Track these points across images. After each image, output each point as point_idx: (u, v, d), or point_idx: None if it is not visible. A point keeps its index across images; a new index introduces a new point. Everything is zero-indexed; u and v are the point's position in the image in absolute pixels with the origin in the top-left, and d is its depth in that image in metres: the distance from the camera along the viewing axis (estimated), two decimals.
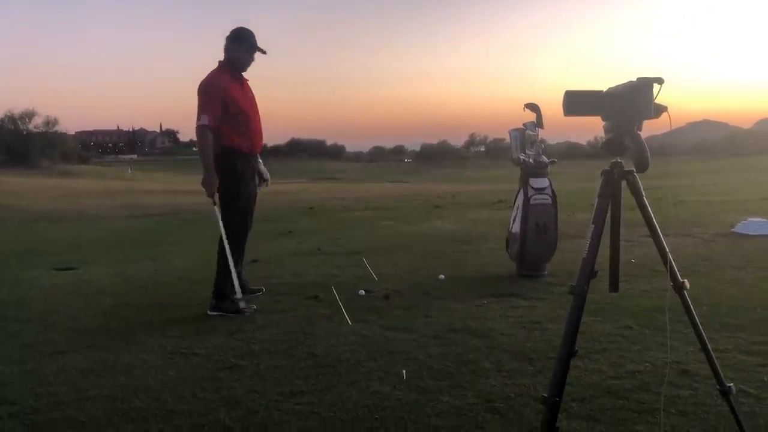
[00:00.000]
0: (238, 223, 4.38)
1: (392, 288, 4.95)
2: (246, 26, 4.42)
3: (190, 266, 6.33)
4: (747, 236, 7.09)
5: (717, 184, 18.53)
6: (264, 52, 4.40)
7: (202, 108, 4.16)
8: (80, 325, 4.18)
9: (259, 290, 4.81)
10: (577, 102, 2.02)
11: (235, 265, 4.32)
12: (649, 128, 2.05)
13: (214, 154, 4.22)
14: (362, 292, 4.81)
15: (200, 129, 4.15)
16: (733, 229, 7.52)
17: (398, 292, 4.85)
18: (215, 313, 4.29)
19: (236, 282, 4.29)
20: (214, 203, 4.32)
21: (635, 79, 1.97)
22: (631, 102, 1.97)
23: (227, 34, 4.36)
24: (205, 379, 3.08)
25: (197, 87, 4.25)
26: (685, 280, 2.08)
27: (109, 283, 5.64)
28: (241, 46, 4.35)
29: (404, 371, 3.07)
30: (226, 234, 4.31)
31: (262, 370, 3.18)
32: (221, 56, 4.39)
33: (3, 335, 3.92)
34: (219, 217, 4.31)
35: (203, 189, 4.29)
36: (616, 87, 2.02)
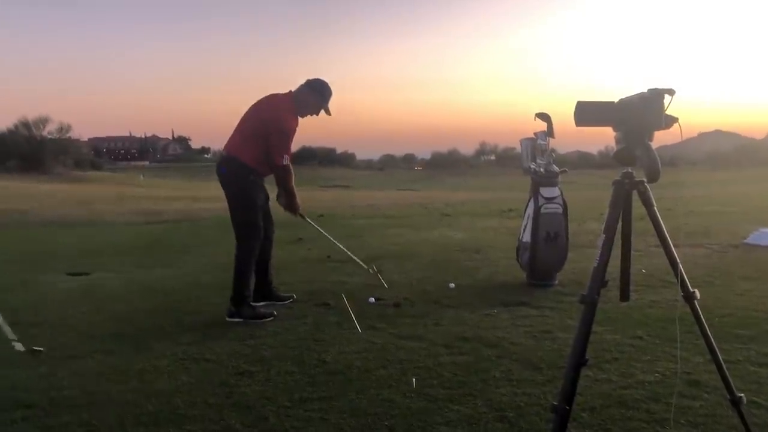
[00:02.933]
0: (252, 226, 4.41)
1: (402, 296, 4.96)
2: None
3: (201, 272, 6.36)
4: (759, 247, 7.05)
5: (729, 195, 18.41)
6: (329, 114, 4.57)
7: (283, 148, 4.38)
8: (93, 330, 4.22)
9: (290, 297, 4.85)
10: (588, 112, 2.04)
11: (256, 271, 4.46)
12: (661, 139, 2.07)
13: (235, 167, 4.37)
14: (372, 299, 4.83)
15: (287, 168, 4.45)
16: (744, 240, 7.47)
17: (408, 300, 4.86)
18: (234, 320, 4.29)
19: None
20: (303, 217, 4.80)
21: (646, 90, 1.98)
22: (642, 113, 1.99)
23: (311, 77, 4.49)
24: (216, 384, 3.11)
25: (264, 114, 4.40)
26: (696, 290, 2.08)
27: (121, 288, 5.68)
28: (317, 100, 4.49)
29: (414, 379, 3.08)
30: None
31: (272, 377, 3.20)
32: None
33: (17, 339, 3.96)
34: (314, 223, 4.96)
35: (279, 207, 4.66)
36: (628, 97, 2.04)
